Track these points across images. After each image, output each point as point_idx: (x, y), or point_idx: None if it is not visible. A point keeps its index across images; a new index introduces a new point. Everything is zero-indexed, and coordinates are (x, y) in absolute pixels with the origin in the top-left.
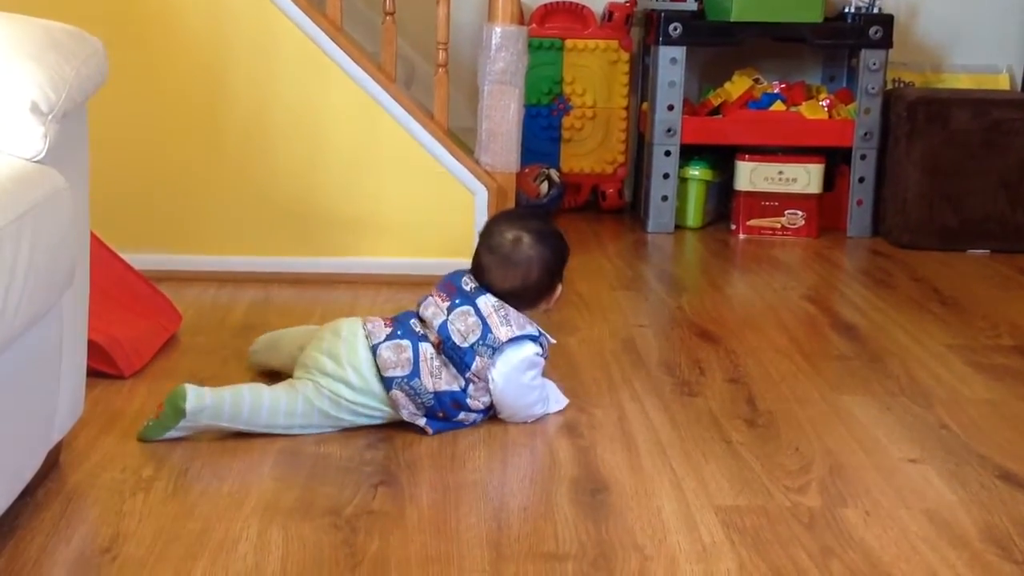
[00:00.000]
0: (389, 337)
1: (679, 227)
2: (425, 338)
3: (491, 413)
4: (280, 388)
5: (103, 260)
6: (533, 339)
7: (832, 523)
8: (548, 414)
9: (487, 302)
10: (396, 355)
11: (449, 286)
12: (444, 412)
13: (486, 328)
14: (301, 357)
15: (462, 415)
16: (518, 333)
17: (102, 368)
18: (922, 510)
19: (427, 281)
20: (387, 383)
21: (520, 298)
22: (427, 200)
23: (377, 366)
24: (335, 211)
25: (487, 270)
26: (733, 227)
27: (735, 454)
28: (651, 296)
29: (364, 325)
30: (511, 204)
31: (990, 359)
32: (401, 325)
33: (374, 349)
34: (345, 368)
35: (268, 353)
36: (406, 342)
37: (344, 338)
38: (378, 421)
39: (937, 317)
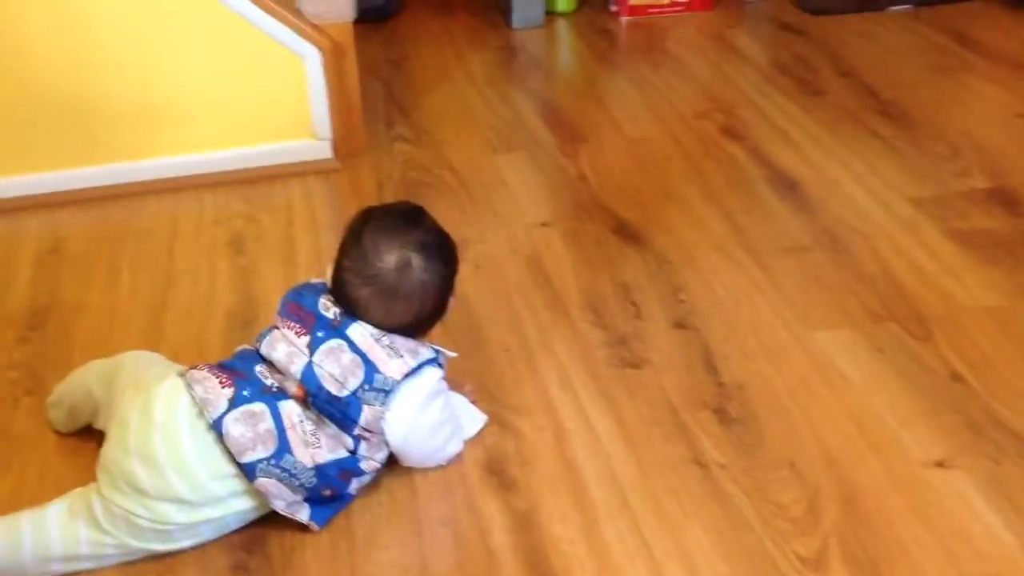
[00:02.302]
0: (234, 403)
1: (549, 14)
2: (283, 393)
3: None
4: (79, 517)
5: None
6: (432, 363)
7: None
8: (464, 442)
9: (362, 332)
10: (251, 428)
11: (300, 311)
12: (331, 488)
13: (369, 367)
14: (102, 453)
15: (354, 484)
16: (414, 364)
17: None
18: None
19: (258, 176)
20: (248, 470)
21: (411, 331)
22: (242, 73)
23: (225, 451)
24: (124, 102)
25: (363, 307)
26: (614, 8)
27: (717, 491)
28: (543, 158)
29: (190, 388)
30: (352, 64)
31: (969, 222)
32: (246, 381)
33: (216, 425)
34: (168, 477)
35: (67, 419)
36: (259, 406)
37: (159, 424)
38: (235, 527)
39: (887, 144)
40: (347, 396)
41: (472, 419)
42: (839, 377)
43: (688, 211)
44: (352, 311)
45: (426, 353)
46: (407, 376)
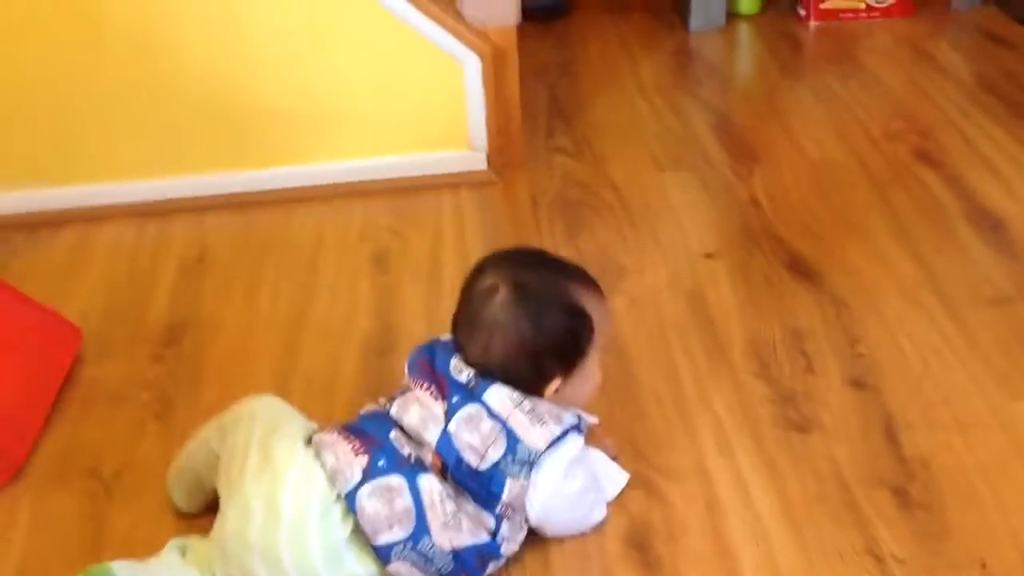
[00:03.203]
0: (369, 475)
1: (730, 16)
2: (421, 466)
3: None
4: None
5: None
6: (575, 429)
7: None
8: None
9: (500, 396)
10: (388, 505)
11: (432, 372)
12: (467, 573)
13: (511, 436)
14: (220, 529)
15: (490, 568)
16: (558, 432)
17: None
18: None
19: (409, 187)
20: (383, 554)
21: (499, 380)
22: (398, 79)
23: (356, 545)
24: (276, 105)
25: (459, 331)
26: (802, 12)
27: None
28: (713, 180)
29: (320, 455)
30: (513, 70)
31: None
32: (381, 450)
33: (350, 500)
34: None
35: (191, 491)
36: (397, 479)
37: (287, 520)
38: None
39: None
40: (489, 469)
41: (613, 479)
42: None
43: (873, 247)
44: (457, 342)
45: (569, 419)
46: (551, 445)
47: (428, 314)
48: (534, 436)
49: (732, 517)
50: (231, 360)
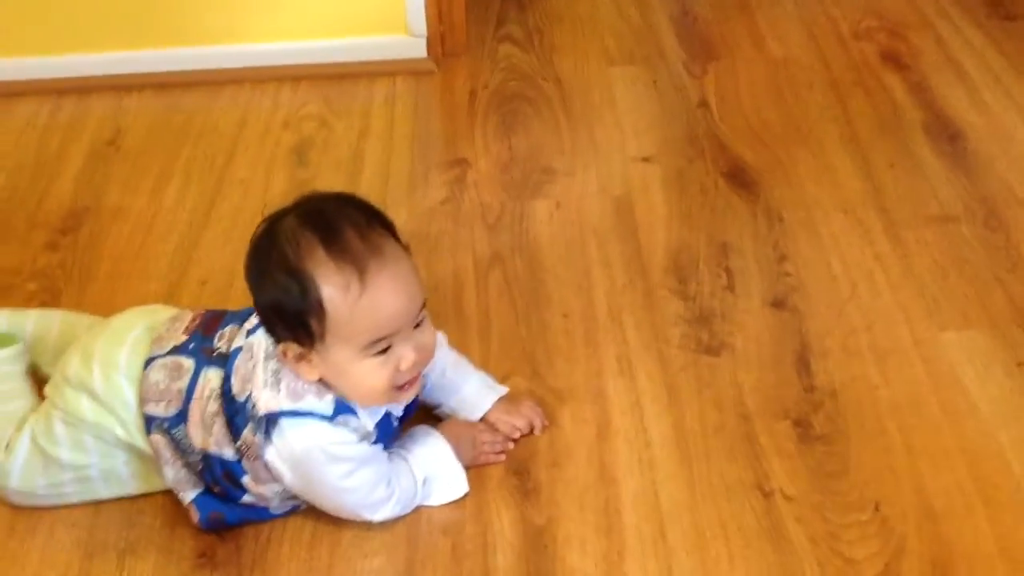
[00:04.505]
0: (177, 349)
1: None
2: (221, 359)
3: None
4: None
5: None
6: (325, 419)
7: None
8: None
9: (261, 343)
10: (168, 380)
11: None
12: (218, 486)
13: (253, 386)
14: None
15: (247, 498)
16: (288, 407)
17: None
18: None
19: (343, 72)
20: (146, 421)
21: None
22: None
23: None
24: None
25: None
26: None
27: (776, 529)
28: (664, 76)
29: (172, 321)
30: None
31: None
32: (205, 335)
33: (147, 363)
34: (92, 368)
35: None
36: (189, 362)
37: (112, 329)
38: (133, 484)
39: None
40: (241, 403)
41: (447, 489)
42: (961, 396)
43: (820, 156)
44: None
45: (314, 404)
46: (284, 416)
47: None
48: (261, 397)
49: (621, 444)
50: (127, 254)
